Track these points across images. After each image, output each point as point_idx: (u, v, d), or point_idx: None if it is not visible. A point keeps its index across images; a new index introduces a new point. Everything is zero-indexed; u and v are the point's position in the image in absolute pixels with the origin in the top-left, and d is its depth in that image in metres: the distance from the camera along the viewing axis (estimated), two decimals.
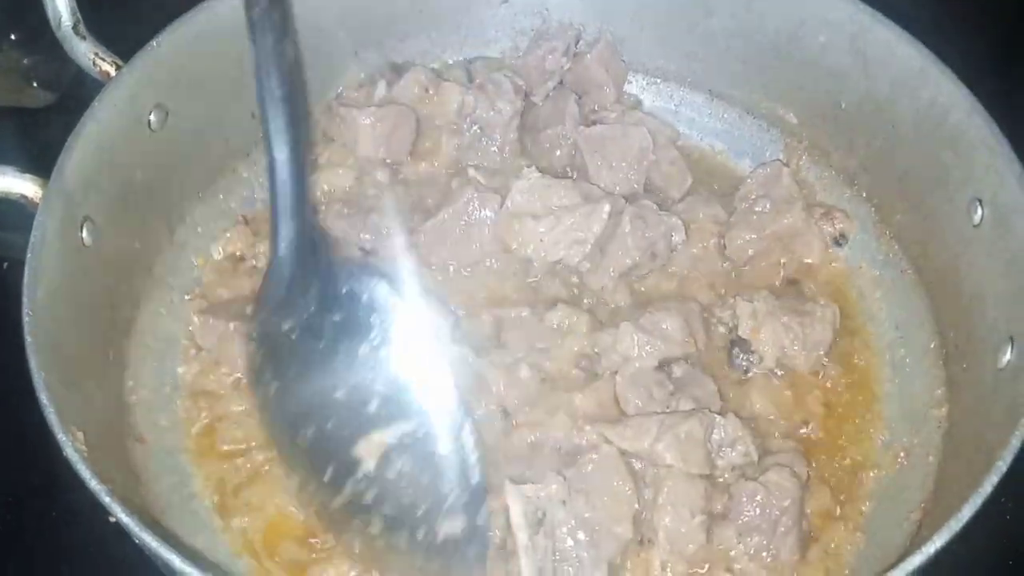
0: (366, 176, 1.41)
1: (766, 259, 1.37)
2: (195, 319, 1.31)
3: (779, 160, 1.46)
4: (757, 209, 1.37)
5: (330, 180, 1.40)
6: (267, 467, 1.20)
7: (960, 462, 1.12)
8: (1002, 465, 0.91)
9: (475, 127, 1.42)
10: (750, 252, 1.35)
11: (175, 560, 0.88)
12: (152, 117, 1.29)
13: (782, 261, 1.37)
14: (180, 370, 1.30)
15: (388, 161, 1.42)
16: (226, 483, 1.21)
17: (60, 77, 1.61)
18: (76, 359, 1.12)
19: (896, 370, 1.31)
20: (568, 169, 1.43)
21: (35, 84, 1.64)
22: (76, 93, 1.22)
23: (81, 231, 1.18)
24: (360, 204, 1.37)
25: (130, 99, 1.25)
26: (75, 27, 1.26)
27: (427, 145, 1.44)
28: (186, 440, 1.24)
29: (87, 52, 1.27)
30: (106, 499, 0.91)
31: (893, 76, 1.33)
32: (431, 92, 1.45)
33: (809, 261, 1.38)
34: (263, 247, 1.38)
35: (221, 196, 1.44)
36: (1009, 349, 1.09)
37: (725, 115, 1.54)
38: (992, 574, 1.29)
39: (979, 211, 1.21)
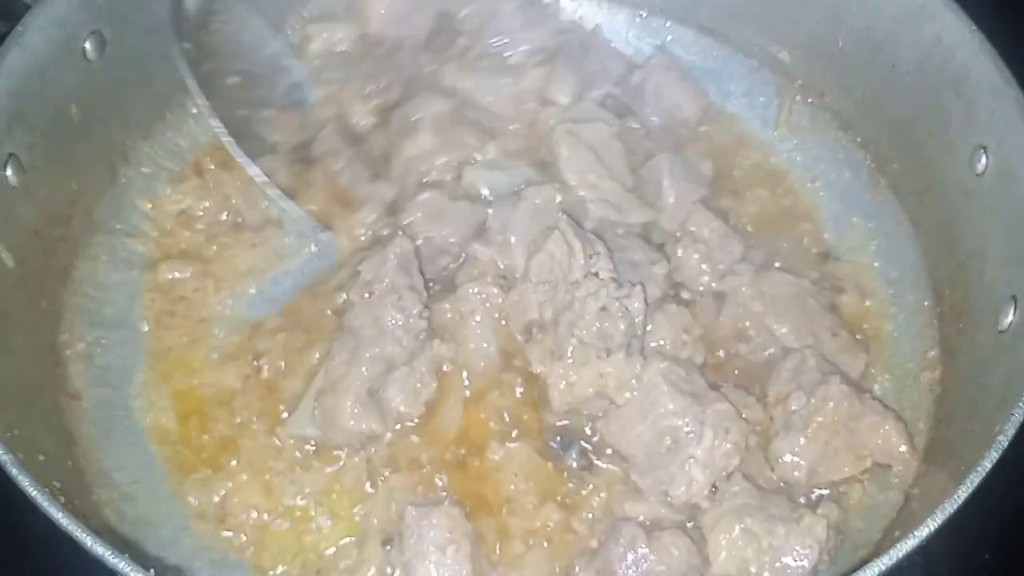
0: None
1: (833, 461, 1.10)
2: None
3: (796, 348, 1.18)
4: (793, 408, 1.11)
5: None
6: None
7: (953, 430, 1.05)
8: (1003, 440, 0.84)
9: None
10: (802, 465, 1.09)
11: (79, 536, 0.79)
12: (87, 44, 1.18)
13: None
14: (123, 321, 1.21)
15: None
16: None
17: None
18: (1, 311, 1.03)
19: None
20: None
21: None
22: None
23: (5, 170, 1.08)
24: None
25: (61, 24, 1.14)
26: None
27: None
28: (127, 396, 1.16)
29: None
30: (12, 470, 0.82)
31: (894, 12, 1.23)
32: None
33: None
34: (215, 201, 1.30)
35: (168, 133, 1.34)
36: (1012, 310, 1.02)
37: (715, 53, 1.45)
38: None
39: (983, 160, 1.12)
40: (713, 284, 1.22)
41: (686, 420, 1.06)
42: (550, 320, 1.13)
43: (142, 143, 1.31)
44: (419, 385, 1.12)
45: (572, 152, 1.27)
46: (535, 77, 1.34)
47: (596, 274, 1.12)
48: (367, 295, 1.14)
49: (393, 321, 1.12)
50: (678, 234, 1.25)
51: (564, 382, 1.10)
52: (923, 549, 0.80)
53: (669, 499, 1.04)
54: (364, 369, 1.09)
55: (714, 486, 1.05)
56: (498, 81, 1.34)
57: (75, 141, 1.20)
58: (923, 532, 0.78)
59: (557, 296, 1.13)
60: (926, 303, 1.22)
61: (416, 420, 1.13)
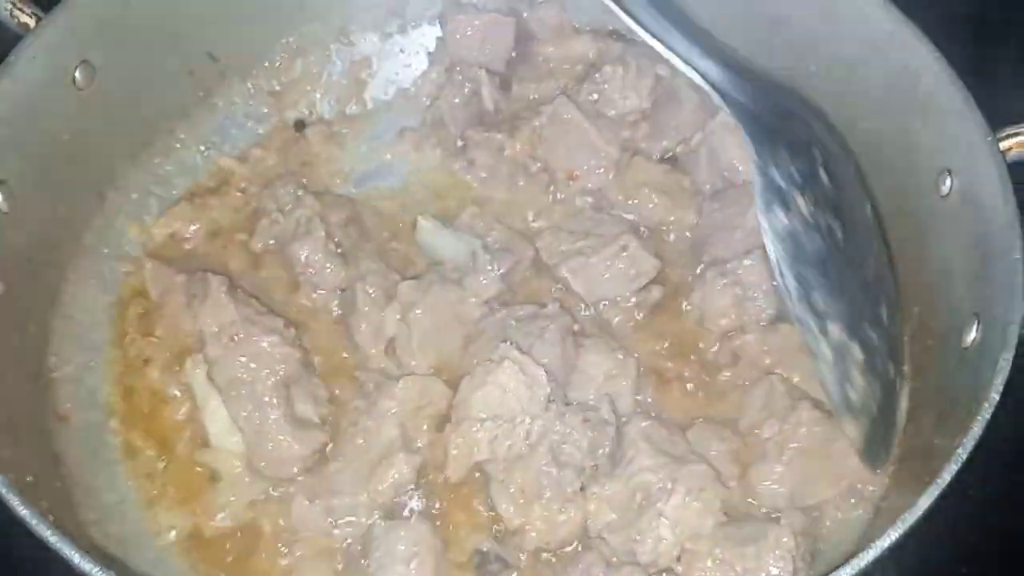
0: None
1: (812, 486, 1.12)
2: (147, 265, 1.26)
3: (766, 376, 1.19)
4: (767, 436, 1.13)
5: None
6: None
7: (921, 444, 1.07)
8: (962, 453, 0.86)
9: None
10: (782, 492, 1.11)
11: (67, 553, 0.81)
12: (77, 74, 1.21)
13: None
14: (109, 344, 1.24)
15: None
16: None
17: None
18: None
19: None
20: None
21: None
22: None
23: None
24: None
25: (51, 54, 1.17)
26: None
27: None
28: (112, 420, 1.19)
29: (3, 3, 1.19)
30: (2, 490, 0.84)
31: (864, 39, 1.26)
32: None
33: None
34: (203, 225, 1.33)
35: (157, 160, 1.37)
36: (974, 327, 1.04)
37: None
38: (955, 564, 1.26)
39: (948, 182, 1.15)
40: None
41: (659, 476, 1.05)
42: (511, 458, 1.07)
43: (131, 169, 1.33)
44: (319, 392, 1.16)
45: None
46: None
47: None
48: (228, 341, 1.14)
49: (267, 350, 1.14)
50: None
51: (546, 524, 1.06)
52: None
53: (636, 557, 1.03)
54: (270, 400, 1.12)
55: (683, 548, 1.02)
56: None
57: (64, 168, 1.22)
58: (884, 542, 0.80)
59: (516, 431, 1.07)
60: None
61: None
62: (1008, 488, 1.26)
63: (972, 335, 1.04)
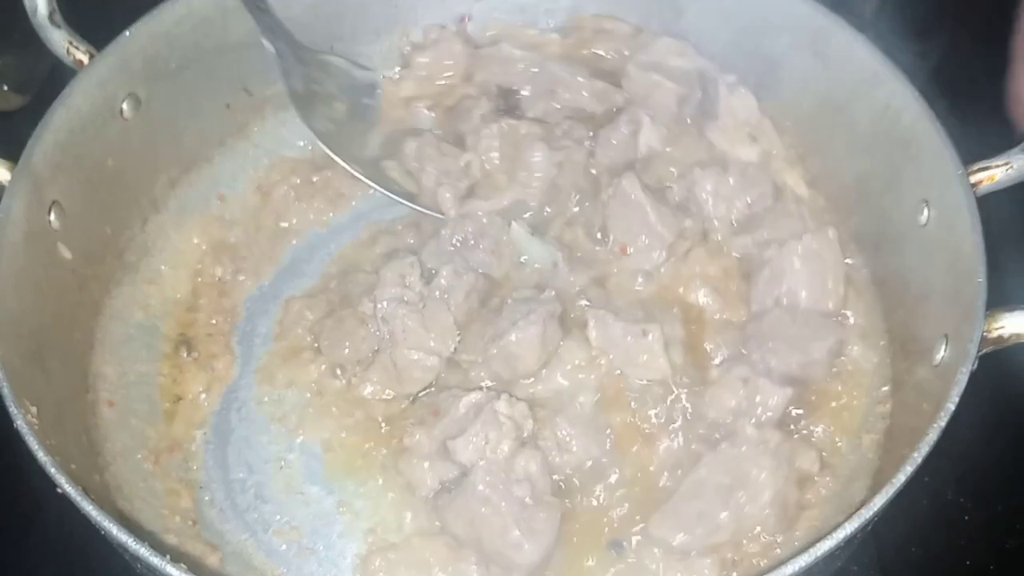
0: None
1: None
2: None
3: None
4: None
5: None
6: None
7: (896, 456, 1.14)
8: (917, 457, 0.93)
9: None
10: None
11: (113, 530, 0.91)
12: (124, 105, 1.33)
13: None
14: (150, 356, 1.34)
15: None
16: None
17: (32, 78, 1.62)
18: (37, 337, 1.16)
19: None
20: None
21: (6, 87, 1.63)
22: (49, 95, 1.24)
23: (49, 214, 1.22)
24: None
25: (102, 86, 1.29)
26: (50, 16, 1.30)
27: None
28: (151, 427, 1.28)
29: (61, 41, 1.30)
30: (51, 469, 0.94)
31: (852, 78, 1.35)
32: None
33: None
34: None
35: (195, 186, 1.47)
36: (943, 347, 1.11)
37: None
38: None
39: (925, 212, 1.23)
40: None
41: None
42: None
43: (170, 193, 1.44)
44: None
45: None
46: None
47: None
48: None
49: None
50: None
51: None
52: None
53: None
54: None
55: None
56: None
57: (110, 190, 1.33)
58: (839, 535, 0.87)
59: None
60: (881, 343, 1.31)
61: None
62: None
63: (941, 353, 1.11)
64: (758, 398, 1.20)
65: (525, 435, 1.17)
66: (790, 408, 1.23)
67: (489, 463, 1.13)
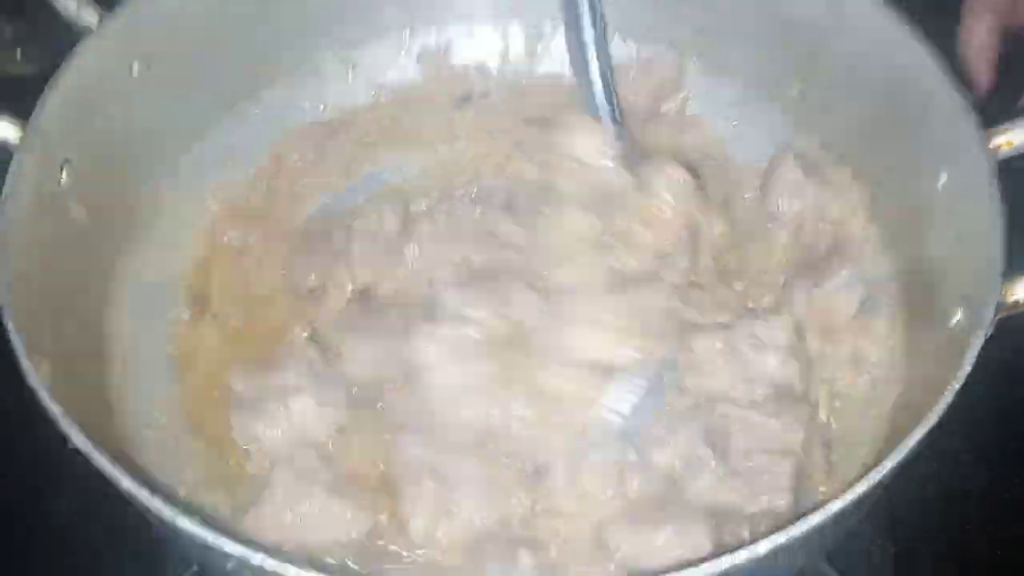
0: None
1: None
2: None
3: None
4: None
5: None
6: None
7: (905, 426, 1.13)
8: (932, 416, 0.92)
9: None
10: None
11: (127, 483, 0.91)
12: (135, 64, 1.32)
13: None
14: (164, 315, 1.34)
15: None
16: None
17: (45, 46, 1.62)
18: (50, 295, 1.16)
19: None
20: None
21: (19, 55, 1.64)
22: (62, 61, 1.24)
23: (60, 172, 1.21)
24: None
25: (113, 46, 1.28)
26: None
27: None
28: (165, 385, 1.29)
29: (71, 4, 1.29)
30: (64, 423, 0.95)
31: (868, 38, 1.33)
32: None
33: None
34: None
35: (208, 148, 1.46)
36: (959, 311, 1.10)
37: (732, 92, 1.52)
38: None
39: (943, 176, 1.21)
40: None
41: None
42: None
43: (183, 155, 1.44)
44: None
45: None
46: None
47: None
48: None
49: None
50: None
51: None
52: None
53: None
54: None
55: None
56: None
57: (122, 151, 1.33)
58: (833, 507, 0.87)
59: None
60: (896, 308, 1.30)
61: None
62: None
63: (957, 317, 1.10)
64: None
65: None
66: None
67: None
